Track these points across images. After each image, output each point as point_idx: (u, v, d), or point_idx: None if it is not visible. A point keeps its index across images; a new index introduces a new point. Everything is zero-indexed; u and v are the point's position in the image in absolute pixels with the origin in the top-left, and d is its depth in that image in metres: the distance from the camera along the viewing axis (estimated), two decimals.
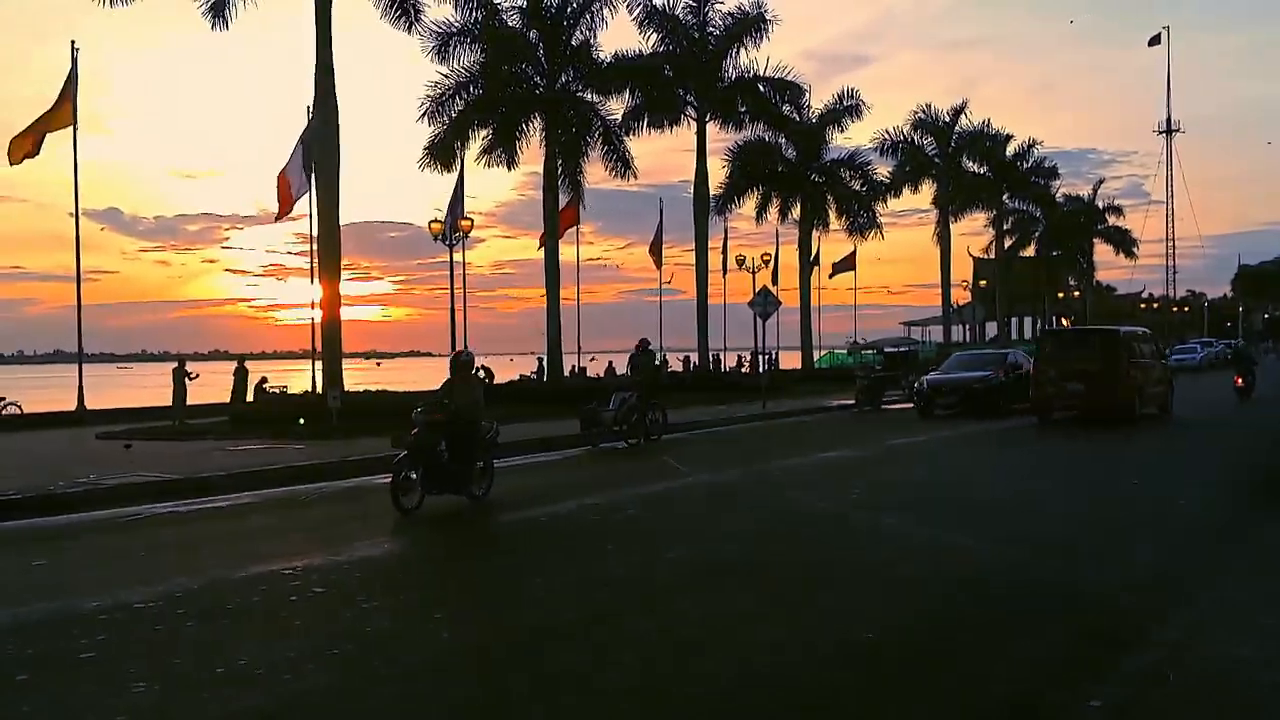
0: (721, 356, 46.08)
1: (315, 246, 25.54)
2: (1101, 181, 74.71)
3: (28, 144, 24.96)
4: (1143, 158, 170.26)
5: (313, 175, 24.98)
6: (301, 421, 20.41)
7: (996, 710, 4.98)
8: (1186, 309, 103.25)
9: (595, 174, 35.09)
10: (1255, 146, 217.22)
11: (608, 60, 33.11)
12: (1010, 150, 55.80)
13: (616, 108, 34.21)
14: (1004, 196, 57.39)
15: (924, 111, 52.03)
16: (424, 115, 31.07)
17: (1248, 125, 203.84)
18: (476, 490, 11.50)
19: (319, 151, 24.28)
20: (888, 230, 46.39)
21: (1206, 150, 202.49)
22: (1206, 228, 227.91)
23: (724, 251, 46.49)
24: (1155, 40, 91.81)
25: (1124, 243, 67.01)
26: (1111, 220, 66.52)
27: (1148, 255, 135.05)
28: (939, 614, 6.69)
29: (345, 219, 25.70)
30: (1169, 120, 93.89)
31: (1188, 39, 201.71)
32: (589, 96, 33.45)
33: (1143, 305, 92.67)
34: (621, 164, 33.71)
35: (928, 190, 52.41)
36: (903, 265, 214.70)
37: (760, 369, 37.94)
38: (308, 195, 26.23)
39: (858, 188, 44.34)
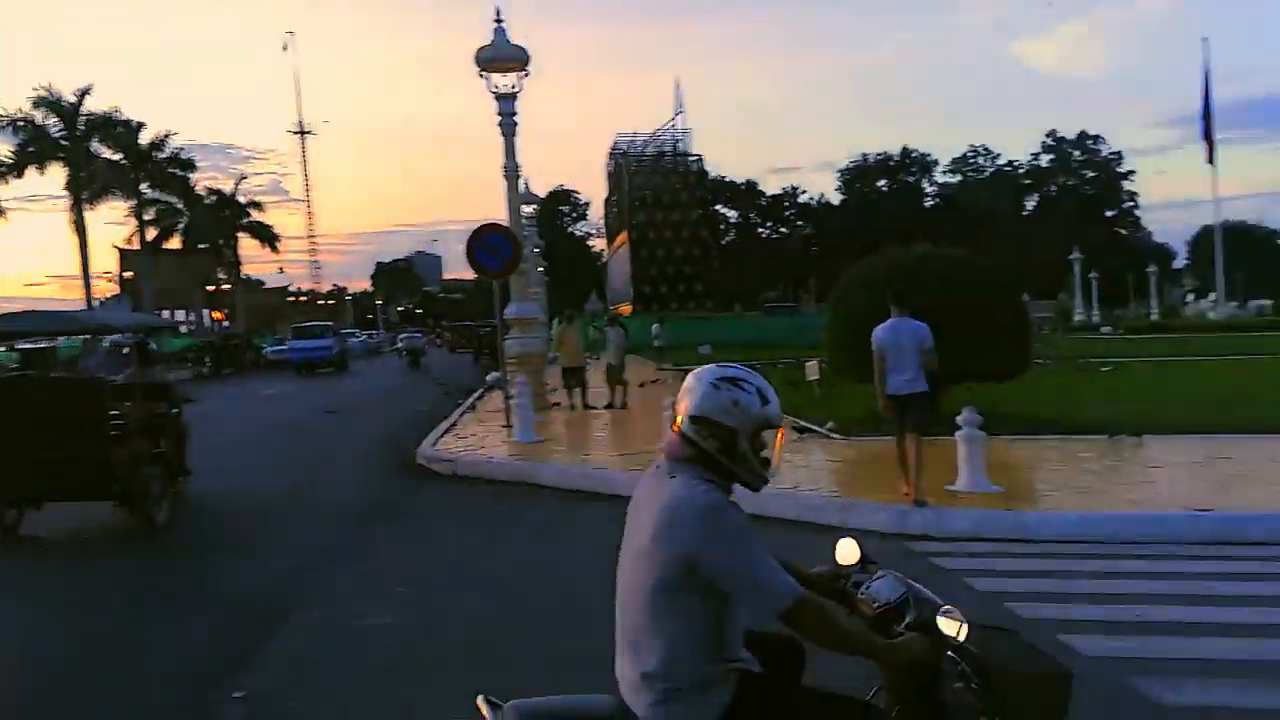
0: None
1: None
2: (244, 177, 77.06)
3: None
4: (280, 156, 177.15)
5: None
6: None
7: None
8: (333, 302, 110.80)
9: None
10: (379, 152, 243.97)
11: None
12: (146, 139, 54.40)
13: None
14: (144, 186, 55.60)
15: (47, 91, 48.12)
16: None
17: (362, 129, 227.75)
18: None
19: None
20: (15, 215, 41.57)
21: (348, 151, 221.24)
22: (353, 226, 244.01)
23: None
24: (285, 47, 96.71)
25: (268, 237, 69.08)
26: (255, 215, 68.13)
27: (298, 250, 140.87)
28: None
29: None
30: (300, 122, 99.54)
31: (318, 45, 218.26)
32: None
33: (290, 299, 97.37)
34: None
35: (61, 174, 48.48)
36: (41, 255, 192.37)
37: None
38: None
39: None
